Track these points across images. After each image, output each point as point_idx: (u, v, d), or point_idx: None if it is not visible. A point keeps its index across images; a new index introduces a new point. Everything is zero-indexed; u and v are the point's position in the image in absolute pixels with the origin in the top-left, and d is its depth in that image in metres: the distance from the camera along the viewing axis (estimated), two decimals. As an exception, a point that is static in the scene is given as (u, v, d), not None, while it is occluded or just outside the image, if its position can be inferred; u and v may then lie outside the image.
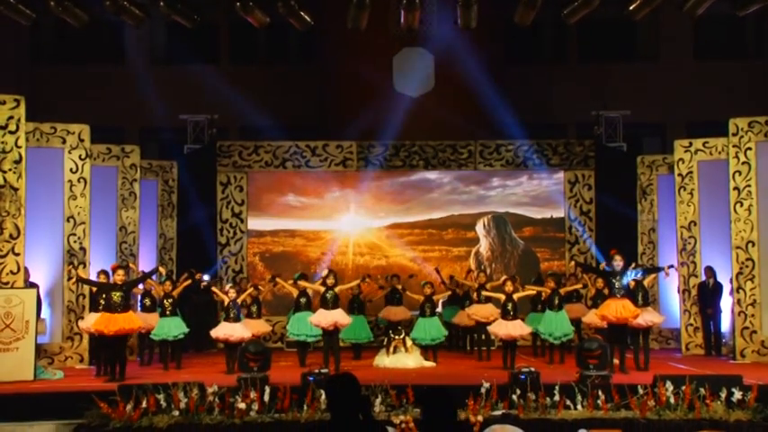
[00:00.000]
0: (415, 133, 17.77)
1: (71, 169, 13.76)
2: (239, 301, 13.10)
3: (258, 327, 13.65)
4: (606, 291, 12.27)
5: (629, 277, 12.28)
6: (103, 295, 11.92)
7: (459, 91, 18.24)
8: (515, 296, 12.72)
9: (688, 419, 9.64)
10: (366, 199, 17.87)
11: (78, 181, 13.79)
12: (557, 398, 9.86)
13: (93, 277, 13.07)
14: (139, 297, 13.98)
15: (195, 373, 12.29)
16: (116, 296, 11.61)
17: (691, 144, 15.15)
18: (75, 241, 13.67)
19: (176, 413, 9.74)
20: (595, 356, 10.55)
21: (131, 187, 15.36)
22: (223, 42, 21.89)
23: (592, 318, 13.08)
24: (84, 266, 13.48)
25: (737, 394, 9.81)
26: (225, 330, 12.79)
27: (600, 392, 9.93)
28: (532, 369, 10.32)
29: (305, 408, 9.85)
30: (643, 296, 12.77)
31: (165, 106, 19.76)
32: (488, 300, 13.72)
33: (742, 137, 13.74)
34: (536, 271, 16.82)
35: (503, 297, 12.70)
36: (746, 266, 13.59)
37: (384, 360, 13.12)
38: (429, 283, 13.87)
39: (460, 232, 17.97)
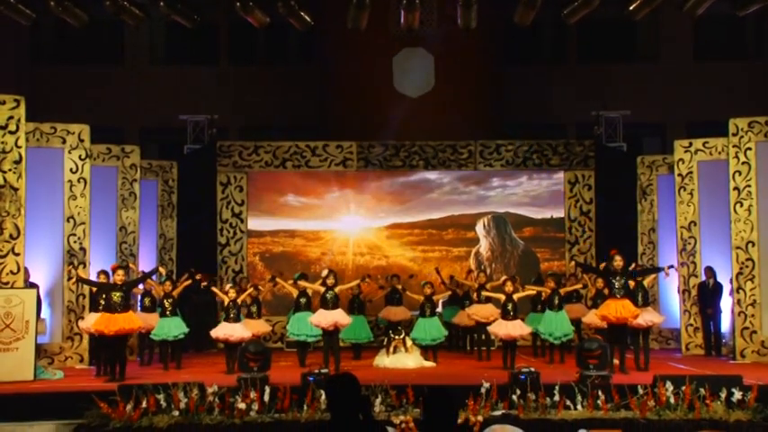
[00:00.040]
0: (415, 133, 17.78)
1: (71, 169, 13.77)
2: (239, 301, 13.11)
3: (258, 327, 13.66)
4: (606, 291, 12.27)
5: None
6: (103, 295, 11.93)
7: (459, 91, 18.25)
8: (515, 296, 12.72)
9: (688, 420, 9.64)
10: (366, 199, 17.88)
11: (78, 181, 13.79)
12: (557, 398, 9.86)
13: (93, 277, 13.07)
14: (139, 297, 13.98)
15: (195, 373, 12.29)
16: (116, 296, 11.62)
17: (691, 144, 15.15)
18: (75, 241, 13.67)
19: (176, 413, 9.74)
20: (595, 356, 10.56)
21: (131, 187, 15.36)
22: (223, 42, 21.88)
23: (592, 318, 13.08)
24: (85, 266, 13.48)
25: (737, 394, 9.82)
26: (225, 330, 12.79)
27: (600, 392, 9.93)
28: (532, 369, 10.32)
29: (305, 408, 9.85)
30: (643, 296, 12.77)
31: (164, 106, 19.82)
32: (488, 300, 13.72)
33: (742, 137, 13.74)
34: (536, 271, 16.82)
35: (503, 297, 12.71)
36: (746, 267, 13.59)
37: (384, 360, 13.12)
38: (429, 283, 13.87)
39: (460, 232, 17.98)
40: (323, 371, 10.60)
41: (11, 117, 12.55)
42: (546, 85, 21.13)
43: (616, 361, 11.62)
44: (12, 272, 12.29)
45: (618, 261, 11.89)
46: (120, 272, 11.89)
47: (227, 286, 13.95)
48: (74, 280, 13.23)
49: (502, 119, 19.54)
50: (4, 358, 11.58)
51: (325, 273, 13.23)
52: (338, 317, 12.67)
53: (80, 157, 13.81)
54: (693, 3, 13.40)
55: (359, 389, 5.00)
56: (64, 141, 13.77)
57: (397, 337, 13.28)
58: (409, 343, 13.30)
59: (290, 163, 17.74)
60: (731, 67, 21.15)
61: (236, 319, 12.91)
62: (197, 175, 17.50)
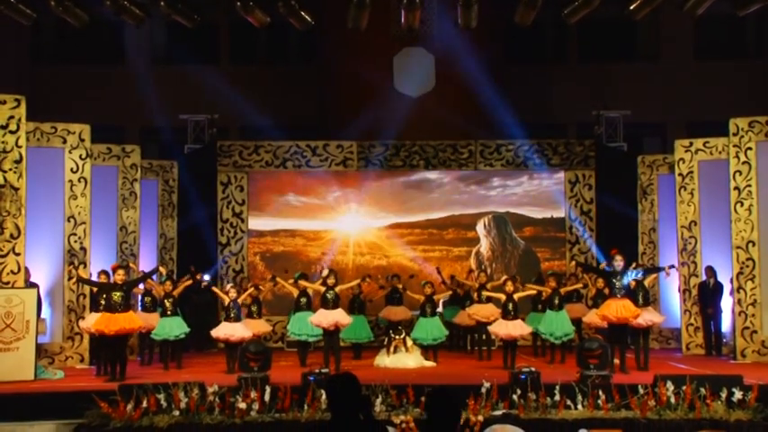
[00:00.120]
0: (416, 133, 17.77)
1: (71, 169, 13.77)
2: (240, 300, 13.11)
3: (258, 326, 13.65)
4: (607, 291, 12.27)
5: (630, 277, 12.28)
6: (104, 295, 11.92)
7: (459, 91, 18.24)
8: (516, 296, 12.72)
9: (688, 419, 9.64)
10: (366, 199, 17.87)
11: (79, 181, 13.79)
12: (557, 398, 9.86)
13: (94, 277, 13.08)
14: (140, 297, 13.99)
15: (196, 372, 12.30)
16: (116, 296, 11.62)
17: (691, 144, 15.15)
18: (75, 241, 13.67)
19: (177, 413, 9.75)
20: (596, 356, 10.56)
21: (132, 187, 15.36)
22: (223, 42, 21.89)
23: (592, 318, 13.08)
24: (85, 266, 13.48)
25: (738, 394, 9.82)
26: (225, 330, 12.80)
27: (600, 392, 9.93)
28: (533, 369, 10.33)
29: (305, 407, 9.86)
30: (643, 296, 12.77)
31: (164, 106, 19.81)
32: (489, 300, 13.72)
33: (742, 137, 13.74)
34: (536, 271, 16.82)
35: (503, 297, 12.71)
36: (747, 266, 13.58)
37: (384, 360, 13.13)
38: (429, 283, 13.87)
39: (461, 232, 17.97)
40: (323, 371, 10.60)
41: (11, 117, 12.56)
42: (546, 84, 21.13)
43: (616, 361, 11.62)
44: (12, 271, 12.30)
45: (618, 261, 11.90)
46: (121, 271, 11.90)
47: (228, 286, 13.97)
48: (74, 280, 13.23)
49: (502, 119, 19.52)
50: (5, 358, 11.59)
51: (325, 272, 13.25)
52: (339, 317, 12.68)
53: (81, 156, 13.81)
54: (693, 2, 13.39)
55: (359, 389, 5.00)
56: (64, 141, 13.77)
57: (397, 336, 13.28)
58: (410, 343, 13.30)
59: (291, 163, 17.74)
60: (731, 66, 21.14)
61: (237, 319, 12.91)
62: (197, 174, 17.50)
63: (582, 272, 14.63)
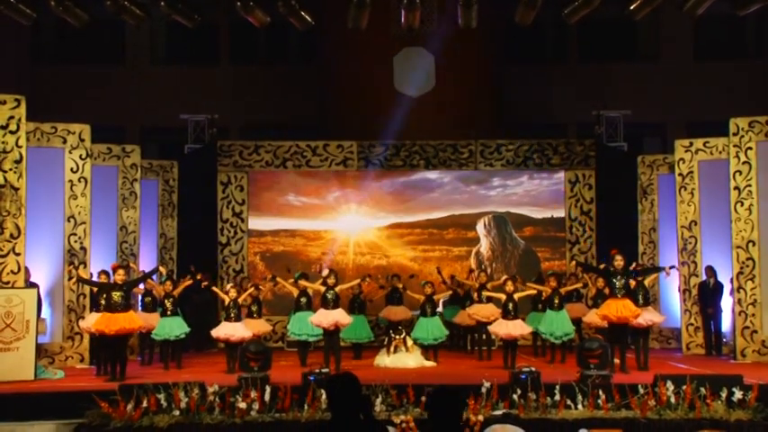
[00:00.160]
0: (416, 133, 17.78)
1: (72, 169, 13.77)
2: (240, 300, 13.11)
3: (259, 326, 13.65)
4: (607, 290, 12.27)
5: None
6: (104, 295, 11.92)
7: (459, 91, 18.24)
8: (516, 296, 12.72)
9: (689, 419, 9.64)
10: (367, 199, 17.88)
11: (79, 181, 13.79)
12: (557, 397, 9.85)
13: (94, 277, 13.08)
14: (140, 297, 13.99)
15: (196, 372, 12.30)
16: (117, 296, 11.62)
17: (691, 144, 15.16)
18: (75, 241, 13.67)
19: (177, 413, 9.74)
20: (596, 356, 10.56)
21: (132, 187, 15.36)
22: (223, 42, 21.88)
23: (592, 317, 13.08)
24: (85, 266, 13.48)
25: (738, 394, 9.82)
26: (225, 330, 12.80)
27: (600, 392, 9.92)
28: (533, 369, 10.32)
29: (306, 407, 9.85)
30: (644, 296, 12.77)
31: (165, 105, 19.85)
32: (489, 299, 13.72)
33: (742, 136, 13.74)
34: (536, 271, 16.82)
35: (503, 297, 12.71)
36: (747, 266, 13.58)
37: (385, 360, 13.13)
38: (429, 283, 13.87)
39: (461, 232, 17.98)
40: (323, 370, 10.60)
41: (11, 117, 12.56)
42: (546, 84, 21.13)
43: (617, 360, 11.62)
44: (12, 271, 12.30)
45: (619, 261, 11.89)
46: (121, 271, 11.90)
47: (228, 286, 13.97)
48: (74, 280, 13.23)
49: (502, 118, 19.55)
50: (5, 358, 11.58)
51: (325, 272, 13.24)
52: (339, 316, 12.68)
53: (81, 156, 13.81)
54: (694, 3, 13.39)
55: (359, 388, 5.00)
56: (64, 141, 13.78)
57: (397, 336, 13.28)
58: (410, 342, 13.30)
59: (291, 162, 17.74)
60: (731, 66, 21.13)
61: (237, 319, 12.91)
62: (197, 174, 17.50)
63: (582, 271, 14.63)
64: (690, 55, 21.64)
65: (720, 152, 14.64)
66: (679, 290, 15.19)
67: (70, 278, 13.47)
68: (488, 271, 16.52)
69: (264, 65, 21.77)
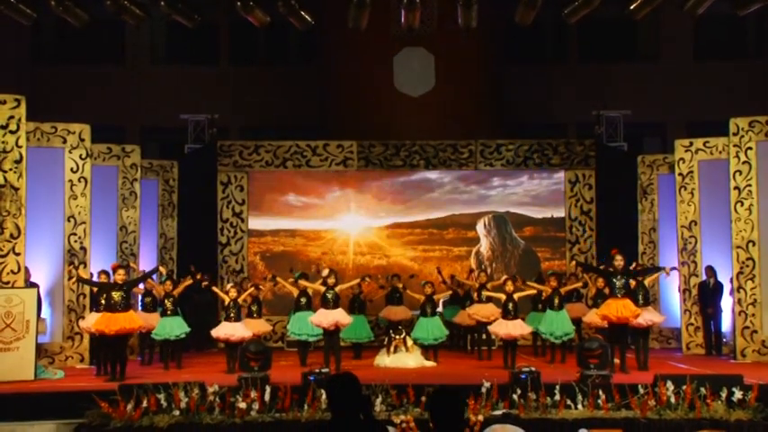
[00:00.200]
0: (416, 133, 17.78)
1: (72, 169, 13.77)
2: (240, 300, 13.11)
3: (259, 326, 13.65)
4: (607, 290, 12.27)
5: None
6: (104, 295, 11.93)
7: (459, 91, 18.25)
8: (516, 296, 12.72)
9: (689, 419, 9.64)
10: (367, 198, 17.88)
11: (79, 180, 13.79)
12: (557, 397, 9.85)
13: (94, 277, 13.07)
14: (140, 297, 13.98)
15: (196, 372, 12.29)
16: (117, 296, 11.62)
17: (691, 144, 15.16)
18: (75, 241, 13.67)
19: (177, 413, 9.74)
20: (596, 356, 10.56)
21: (132, 187, 15.36)
22: (223, 42, 21.89)
23: (592, 317, 13.08)
24: (85, 266, 13.48)
25: (738, 394, 9.82)
26: (225, 330, 12.80)
27: (600, 392, 9.92)
28: (533, 369, 10.32)
29: (306, 407, 9.85)
30: (644, 296, 12.76)
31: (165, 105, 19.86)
32: (489, 299, 13.72)
33: (742, 136, 13.74)
34: (536, 270, 16.82)
35: (503, 297, 12.71)
36: (747, 266, 13.58)
37: (385, 360, 13.13)
38: (429, 283, 13.88)
39: (461, 232, 17.98)
40: (323, 370, 10.60)
41: (11, 117, 12.56)
42: (546, 84, 21.14)
43: (617, 360, 11.62)
44: (12, 271, 12.30)
45: (619, 260, 11.89)
46: (121, 271, 11.89)
47: (228, 286, 13.97)
48: (74, 279, 13.23)
49: (502, 118, 19.55)
50: (5, 358, 11.58)
51: (326, 272, 13.24)
52: (339, 316, 12.68)
53: (81, 156, 13.81)
54: (694, 2, 13.39)
55: (359, 388, 4.99)
56: (64, 141, 13.77)
57: (397, 336, 13.28)
58: (410, 342, 13.30)
59: (291, 162, 17.75)
60: (731, 66, 21.13)
61: (237, 319, 12.91)
62: (198, 174, 17.50)
63: (582, 271, 14.63)
64: (690, 55, 21.64)
65: (720, 152, 14.64)
66: (679, 290, 15.19)
67: (70, 278, 13.47)
68: (488, 271, 16.52)
69: (264, 65, 21.77)
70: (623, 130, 18.64)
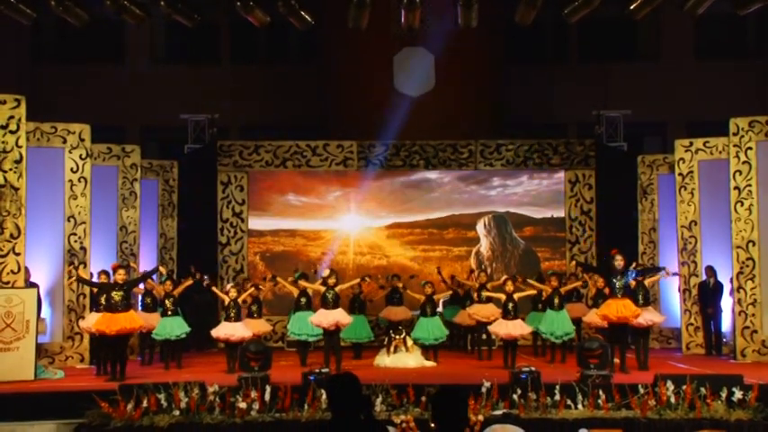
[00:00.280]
0: (416, 133, 17.78)
1: (72, 169, 13.77)
2: (240, 300, 13.11)
3: (259, 326, 13.65)
4: (607, 290, 12.27)
5: (630, 277, 12.27)
6: (104, 295, 11.93)
7: (459, 91, 18.24)
8: (516, 296, 12.72)
9: (689, 419, 9.64)
10: (367, 198, 17.88)
11: (79, 180, 13.79)
12: (557, 397, 9.85)
13: (95, 277, 13.07)
14: (140, 297, 13.98)
15: (196, 372, 12.30)
16: (117, 296, 11.62)
17: (691, 143, 15.16)
18: (75, 241, 13.67)
19: (177, 413, 9.74)
20: (596, 356, 10.56)
21: (132, 187, 15.36)
22: (223, 42, 21.88)
23: (592, 317, 13.07)
24: (85, 266, 13.47)
25: (738, 394, 9.82)
26: (226, 330, 12.81)
27: (601, 392, 9.93)
28: (533, 368, 10.32)
29: (306, 407, 9.85)
30: (644, 296, 12.76)
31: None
32: (489, 299, 13.72)
33: (742, 136, 13.74)
34: (537, 270, 16.80)
35: (503, 297, 12.71)
36: (747, 266, 13.58)
37: (385, 360, 13.13)
38: (429, 283, 13.88)
39: (461, 232, 17.98)
40: (324, 370, 10.60)
41: (11, 116, 12.56)
42: (547, 84, 21.13)
43: (617, 360, 11.62)
44: (12, 271, 12.30)
45: (619, 260, 11.89)
46: (122, 271, 11.89)
47: (228, 286, 13.97)
48: (74, 278, 13.22)
49: (502, 118, 19.55)
50: (5, 358, 11.59)
51: (326, 272, 13.24)
52: (339, 316, 12.68)
53: (81, 156, 13.81)
54: (694, 2, 13.39)
55: (360, 388, 4.99)
56: (64, 141, 13.77)
57: (397, 336, 13.28)
58: (410, 342, 13.30)
59: (291, 162, 17.75)
60: (731, 66, 21.13)
61: (237, 319, 12.91)
62: (197, 174, 17.51)
63: (582, 271, 14.63)
64: (690, 55, 21.63)
65: (720, 152, 14.64)
66: (679, 290, 15.19)
67: (70, 278, 13.47)
68: (488, 271, 16.53)
69: (264, 65, 21.76)
70: (623, 130, 18.64)
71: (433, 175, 17.97)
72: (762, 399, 9.79)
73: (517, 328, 12.54)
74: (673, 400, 9.78)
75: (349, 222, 17.88)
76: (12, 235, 12.36)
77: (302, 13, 14.25)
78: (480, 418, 9.31)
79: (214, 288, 14.26)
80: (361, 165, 17.76)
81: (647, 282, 13.00)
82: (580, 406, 9.91)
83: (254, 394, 9.86)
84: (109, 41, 21.29)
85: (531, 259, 17.85)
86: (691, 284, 14.95)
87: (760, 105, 17.64)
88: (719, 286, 14.58)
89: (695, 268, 14.91)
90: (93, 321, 12.12)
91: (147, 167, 16.35)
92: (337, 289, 12.83)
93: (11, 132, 12.51)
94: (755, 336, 13.46)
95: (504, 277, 13.99)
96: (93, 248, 13.91)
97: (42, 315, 12.92)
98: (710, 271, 14.58)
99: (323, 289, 12.84)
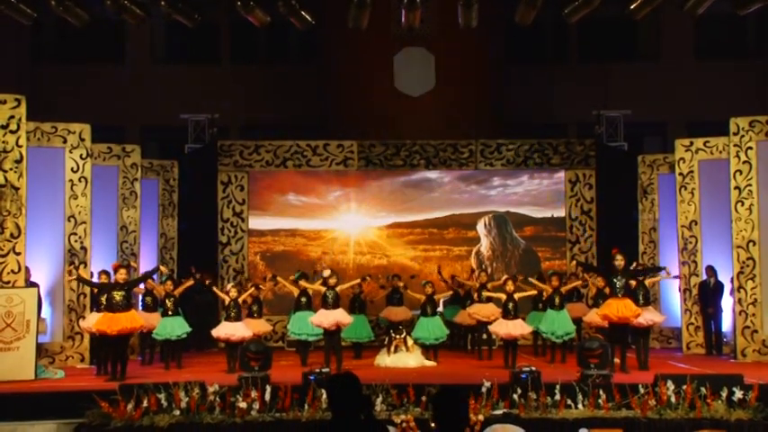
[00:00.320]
0: (416, 133, 17.78)
1: (72, 168, 13.77)
2: (240, 300, 13.11)
3: (259, 326, 13.66)
4: (607, 290, 12.27)
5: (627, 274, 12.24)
6: (105, 295, 11.93)
7: (459, 91, 18.24)
8: (516, 296, 12.72)
9: (689, 419, 9.64)
10: (367, 198, 17.88)
11: (79, 180, 13.79)
12: (558, 397, 9.85)
13: (95, 277, 13.07)
14: (141, 297, 13.99)
15: (196, 372, 12.30)
16: (117, 295, 11.62)
17: (691, 143, 15.16)
18: (75, 240, 13.67)
19: (177, 412, 9.74)
20: (596, 356, 10.56)
21: (132, 186, 15.36)
22: (223, 42, 21.89)
23: (593, 317, 13.08)
24: (85, 266, 13.47)
25: (738, 393, 9.81)
26: (226, 330, 12.81)
27: (601, 392, 9.92)
28: (533, 368, 10.32)
29: (306, 407, 9.85)
30: (644, 295, 12.75)
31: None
32: (489, 299, 13.72)
33: (743, 136, 13.74)
34: (537, 270, 16.78)
35: (504, 297, 12.71)
36: (747, 266, 13.58)
37: (385, 359, 13.13)
38: (430, 283, 13.88)
39: (461, 232, 17.97)
40: (324, 370, 10.60)
41: (12, 116, 12.56)
42: (547, 84, 21.13)
43: (617, 360, 11.62)
44: (13, 271, 12.30)
45: (619, 260, 11.89)
46: (122, 271, 11.89)
47: (229, 286, 13.97)
48: (74, 277, 13.22)
49: (502, 118, 19.55)
50: (5, 357, 11.59)
51: (327, 272, 13.24)
52: (339, 316, 12.68)
53: (81, 156, 13.81)
54: (694, 2, 13.39)
55: (360, 388, 5.00)
56: (65, 141, 13.77)
57: (398, 336, 13.28)
58: (410, 342, 13.30)
59: (291, 162, 17.75)
60: (731, 66, 21.13)
61: (237, 319, 12.91)
62: (198, 174, 17.51)
63: (582, 271, 14.63)
64: (690, 55, 21.63)
65: (721, 152, 14.64)
66: (679, 289, 15.19)
67: (70, 277, 13.47)
68: (489, 271, 16.53)
69: (264, 65, 21.76)
70: (623, 130, 18.64)
71: (433, 174, 17.97)
72: (762, 398, 9.78)
73: (517, 328, 12.55)
74: (673, 399, 9.78)
75: (349, 222, 17.88)
76: (12, 235, 12.36)
77: (302, 12, 14.25)
78: (480, 417, 9.31)
79: (214, 288, 14.27)
80: (361, 164, 17.75)
81: (647, 282, 13.00)
82: (580, 406, 9.90)
83: (254, 394, 9.86)
84: (109, 41, 21.29)
85: (531, 259, 17.85)
86: (691, 284, 14.95)
87: (760, 105, 17.64)
88: (720, 286, 14.58)
89: (695, 268, 14.91)
90: (93, 321, 12.13)
91: (147, 167, 16.35)
92: (338, 289, 12.83)
93: (11, 132, 12.52)
94: (756, 335, 13.46)
95: (505, 277, 13.98)
96: (93, 248, 13.92)
97: (43, 315, 12.92)
98: (711, 271, 14.58)
99: (323, 289, 12.84)
